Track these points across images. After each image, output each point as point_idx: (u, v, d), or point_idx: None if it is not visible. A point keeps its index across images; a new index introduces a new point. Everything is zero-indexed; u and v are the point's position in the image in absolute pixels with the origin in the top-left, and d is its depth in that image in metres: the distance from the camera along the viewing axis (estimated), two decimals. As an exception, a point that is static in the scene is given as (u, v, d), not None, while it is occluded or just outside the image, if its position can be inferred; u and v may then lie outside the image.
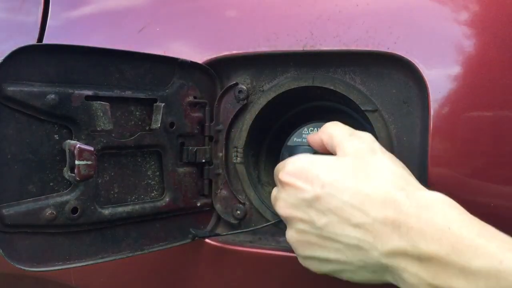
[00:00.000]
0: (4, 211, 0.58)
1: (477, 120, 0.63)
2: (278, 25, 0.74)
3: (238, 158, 0.79)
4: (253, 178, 0.82)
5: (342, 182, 0.55)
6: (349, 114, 0.81)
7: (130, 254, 0.70)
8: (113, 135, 0.67)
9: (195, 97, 0.77)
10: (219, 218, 0.82)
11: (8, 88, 0.57)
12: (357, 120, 0.80)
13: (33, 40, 0.92)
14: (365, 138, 0.61)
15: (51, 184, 0.62)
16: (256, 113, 0.78)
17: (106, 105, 0.64)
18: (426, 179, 0.64)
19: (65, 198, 0.63)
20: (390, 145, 0.70)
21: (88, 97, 0.63)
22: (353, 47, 0.69)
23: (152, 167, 0.74)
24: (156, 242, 0.74)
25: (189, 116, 0.76)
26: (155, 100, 0.71)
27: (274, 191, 0.66)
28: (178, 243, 0.76)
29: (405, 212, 0.51)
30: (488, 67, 0.63)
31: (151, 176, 0.74)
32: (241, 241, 0.80)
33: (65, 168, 0.62)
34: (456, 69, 0.64)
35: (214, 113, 0.80)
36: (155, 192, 0.75)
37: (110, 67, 0.67)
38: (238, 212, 0.80)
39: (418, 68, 0.65)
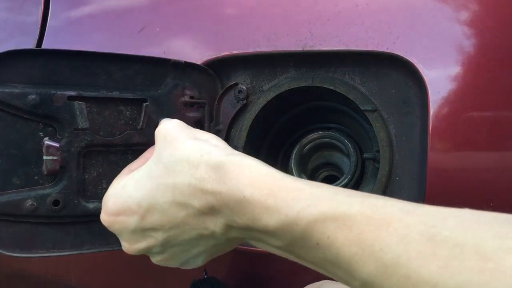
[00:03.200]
0: None
1: (477, 120, 0.63)
2: (278, 25, 0.74)
3: (238, 158, 0.79)
4: (253, 178, 0.82)
5: (152, 190, 0.53)
6: (349, 114, 0.81)
7: (118, 248, 0.70)
8: (101, 133, 0.69)
9: (191, 97, 0.77)
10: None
11: None
12: (357, 120, 0.80)
13: (33, 40, 0.92)
14: (162, 129, 0.59)
15: (35, 177, 0.65)
16: (256, 113, 0.78)
17: (82, 104, 0.66)
18: (425, 179, 0.64)
19: (47, 191, 0.66)
20: (390, 145, 0.70)
21: (71, 97, 0.66)
22: (353, 47, 0.69)
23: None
24: None
25: (185, 116, 0.76)
26: (145, 100, 0.72)
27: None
28: None
29: (216, 193, 0.49)
30: (488, 67, 0.63)
31: None
32: (241, 241, 0.80)
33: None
34: (455, 69, 0.64)
35: (214, 113, 0.80)
36: None
37: (97, 69, 0.69)
38: (238, 212, 0.80)
39: (417, 68, 0.65)
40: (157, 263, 0.60)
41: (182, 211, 0.52)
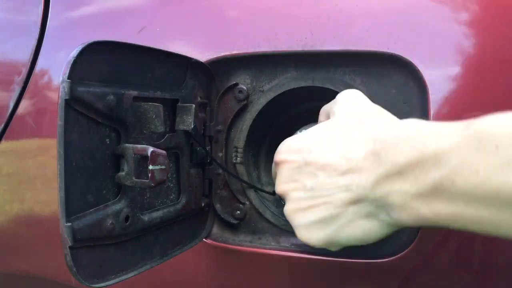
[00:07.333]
0: (75, 224, 0.52)
1: (477, 120, 0.63)
2: (278, 25, 0.74)
3: (238, 158, 0.79)
4: (253, 178, 0.82)
5: (328, 141, 0.56)
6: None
7: (160, 261, 0.67)
8: (154, 137, 0.64)
9: (201, 97, 0.76)
10: (216, 218, 0.82)
11: (78, 89, 0.52)
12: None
13: (33, 40, 0.92)
14: (348, 95, 0.62)
15: (104, 192, 0.58)
16: (256, 113, 0.78)
17: (160, 106, 0.61)
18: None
19: (118, 206, 0.59)
20: (390, 145, 0.70)
21: (135, 98, 0.60)
22: (353, 47, 0.69)
23: (171, 169, 0.71)
24: (175, 245, 0.72)
25: (198, 116, 0.74)
26: (177, 101, 0.69)
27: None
28: (190, 245, 0.75)
29: (382, 138, 0.52)
30: (488, 67, 0.63)
31: (169, 178, 0.72)
32: (241, 240, 0.80)
33: (121, 174, 0.58)
34: (456, 69, 0.64)
35: (214, 113, 0.80)
36: (173, 195, 0.73)
37: (144, 65, 0.63)
38: (238, 212, 0.80)
39: (418, 68, 0.65)
40: (289, 213, 0.59)
41: (346, 163, 0.53)
